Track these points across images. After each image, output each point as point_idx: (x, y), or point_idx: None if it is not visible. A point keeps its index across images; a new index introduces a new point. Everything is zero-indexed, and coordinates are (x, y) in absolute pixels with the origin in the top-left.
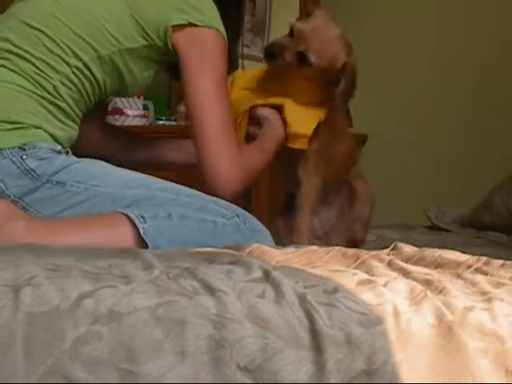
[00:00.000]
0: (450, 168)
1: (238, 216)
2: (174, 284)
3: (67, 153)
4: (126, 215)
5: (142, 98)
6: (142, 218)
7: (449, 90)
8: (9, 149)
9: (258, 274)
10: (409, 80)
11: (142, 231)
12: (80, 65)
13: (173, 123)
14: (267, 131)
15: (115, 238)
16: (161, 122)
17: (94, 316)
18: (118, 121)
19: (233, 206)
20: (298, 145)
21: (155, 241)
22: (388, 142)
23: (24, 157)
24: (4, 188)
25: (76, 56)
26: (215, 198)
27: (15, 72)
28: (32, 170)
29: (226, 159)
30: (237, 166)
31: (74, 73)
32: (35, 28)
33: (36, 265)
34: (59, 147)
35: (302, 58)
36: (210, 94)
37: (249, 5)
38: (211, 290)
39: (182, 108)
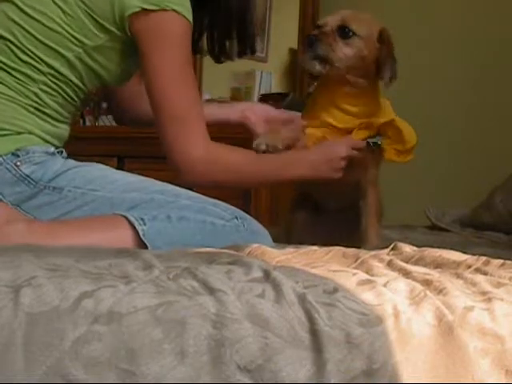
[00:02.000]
0: (450, 168)
1: (236, 218)
2: (173, 284)
3: (61, 152)
4: (126, 217)
5: None
6: (142, 220)
7: (449, 90)
8: (1, 156)
9: (257, 273)
10: (409, 80)
11: (141, 233)
12: (53, 71)
13: None
14: (319, 156)
15: (115, 240)
16: None
17: (94, 316)
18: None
19: (232, 207)
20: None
21: (155, 242)
22: None
23: (18, 163)
24: (1, 197)
25: (46, 64)
26: (214, 200)
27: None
28: (27, 176)
29: (190, 143)
30: (202, 151)
31: (50, 80)
32: (3, 37)
33: (36, 265)
34: (52, 149)
35: (343, 32)
36: (171, 82)
37: None
38: (211, 290)
39: None
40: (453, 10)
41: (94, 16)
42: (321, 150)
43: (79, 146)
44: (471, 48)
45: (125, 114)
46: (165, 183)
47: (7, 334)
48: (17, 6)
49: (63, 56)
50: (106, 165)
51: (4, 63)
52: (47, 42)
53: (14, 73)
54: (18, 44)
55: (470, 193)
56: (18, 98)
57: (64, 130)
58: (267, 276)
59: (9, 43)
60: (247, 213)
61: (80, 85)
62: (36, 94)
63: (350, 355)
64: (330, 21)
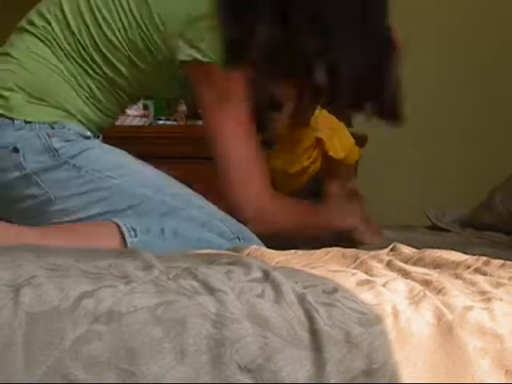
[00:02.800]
0: (450, 168)
1: (239, 238)
2: (173, 284)
3: (97, 137)
4: (118, 226)
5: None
6: (134, 231)
7: (449, 90)
8: (38, 123)
9: (257, 274)
10: (409, 80)
11: (129, 243)
12: (107, 77)
13: (173, 123)
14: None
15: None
16: (161, 122)
17: (94, 316)
18: (117, 120)
19: (239, 225)
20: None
21: None
22: (388, 142)
23: (51, 134)
24: (22, 160)
25: (102, 69)
26: (224, 215)
27: (61, 62)
28: (55, 149)
29: (252, 190)
30: (260, 200)
31: (105, 81)
32: (72, 31)
33: (36, 264)
34: (88, 133)
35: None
36: (229, 134)
37: None
38: (211, 290)
39: (182, 108)
40: (453, 10)
41: (150, 47)
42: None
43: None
44: (471, 48)
45: None
46: (182, 186)
47: (7, 333)
48: (88, 1)
49: (117, 68)
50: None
51: (68, 52)
52: (105, 51)
53: (74, 63)
54: (82, 42)
55: (470, 193)
56: (73, 81)
57: (106, 122)
58: (267, 276)
59: (75, 38)
60: None
61: (134, 92)
62: (89, 87)
63: (350, 355)
64: None
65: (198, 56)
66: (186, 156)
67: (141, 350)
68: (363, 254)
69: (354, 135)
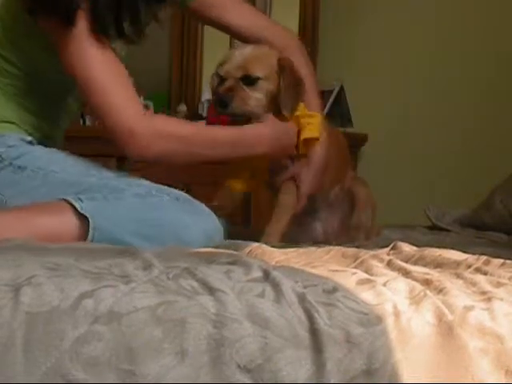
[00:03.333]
0: (450, 168)
1: (177, 199)
2: (173, 284)
3: (39, 143)
4: (65, 200)
5: (141, 97)
6: (79, 199)
7: (449, 90)
8: None
9: (257, 273)
10: (409, 80)
11: (79, 208)
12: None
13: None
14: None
15: (59, 223)
16: None
17: (94, 316)
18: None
19: (178, 192)
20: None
21: (94, 215)
22: (388, 142)
23: None
24: None
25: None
26: (161, 187)
27: None
28: None
29: (122, 119)
30: (143, 124)
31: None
32: None
33: (36, 264)
34: (29, 138)
35: (247, 80)
36: (90, 58)
37: None
38: (211, 290)
39: (182, 108)
40: (453, 10)
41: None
42: (282, 132)
43: (78, 146)
44: (472, 47)
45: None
46: (121, 172)
47: (7, 333)
48: None
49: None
50: (105, 165)
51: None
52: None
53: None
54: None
55: (470, 193)
56: (5, 89)
57: (47, 124)
58: (267, 276)
59: None
60: (248, 213)
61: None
62: (12, 90)
63: (350, 355)
64: (232, 71)
65: None
66: None
67: (141, 350)
68: (364, 254)
69: (354, 135)
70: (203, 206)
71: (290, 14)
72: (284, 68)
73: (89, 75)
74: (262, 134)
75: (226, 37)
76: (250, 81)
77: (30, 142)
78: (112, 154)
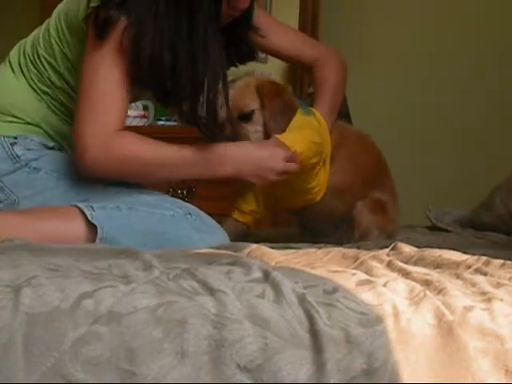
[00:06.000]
0: (450, 168)
1: (190, 214)
2: (173, 284)
3: (60, 149)
4: (76, 206)
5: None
6: (91, 207)
7: (449, 90)
8: (3, 136)
9: (257, 274)
10: (409, 80)
11: (90, 216)
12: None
13: (173, 124)
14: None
15: (67, 229)
16: (161, 123)
17: (94, 316)
18: None
19: (190, 206)
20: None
21: (104, 225)
22: (388, 142)
23: (14, 144)
24: None
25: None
26: (173, 199)
27: (27, 75)
28: (17, 156)
29: (88, 133)
30: (99, 143)
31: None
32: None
33: (36, 265)
34: (52, 144)
35: (244, 118)
36: (100, 73)
37: None
38: (211, 291)
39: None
40: (453, 10)
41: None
42: (255, 154)
43: None
44: (471, 48)
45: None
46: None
47: (7, 334)
48: (48, 30)
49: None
50: None
51: (32, 61)
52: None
53: (40, 71)
54: (31, 56)
55: (470, 193)
56: (38, 92)
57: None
58: (267, 276)
59: (26, 54)
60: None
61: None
62: (49, 95)
63: (350, 355)
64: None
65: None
66: None
67: (141, 350)
68: (364, 255)
69: None
70: (213, 223)
71: (290, 14)
72: (263, 94)
73: (92, 85)
74: (227, 154)
75: None
76: (246, 118)
77: (52, 148)
78: None
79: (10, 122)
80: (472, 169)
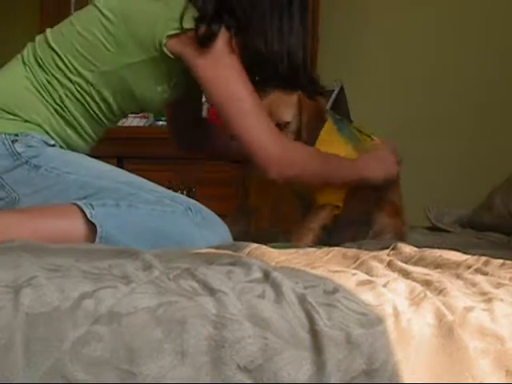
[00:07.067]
0: (450, 168)
1: (190, 209)
2: (173, 284)
3: (61, 146)
4: (76, 205)
5: None
6: (91, 205)
7: (449, 91)
8: (4, 133)
9: (257, 274)
10: (409, 80)
11: (89, 215)
12: (81, 81)
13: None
14: (379, 157)
15: (65, 227)
16: (160, 123)
17: (94, 316)
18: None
19: (191, 201)
20: None
21: (103, 224)
22: None
23: (15, 141)
24: None
25: (78, 73)
26: (175, 194)
27: (34, 75)
28: (18, 153)
29: (268, 137)
30: (278, 145)
31: (76, 88)
32: (52, 47)
33: (36, 265)
34: (52, 142)
35: (279, 127)
36: (233, 83)
37: None
38: (211, 291)
39: None
40: (454, 11)
41: (135, 38)
42: (377, 157)
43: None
44: (473, 48)
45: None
46: (134, 176)
47: (7, 334)
48: (72, 23)
49: (98, 68)
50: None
51: (42, 61)
52: (86, 54)
53: (47, 72)
54: (60, 53)
55: (470, 193)
56: (43, 95)
57: (72, 139)
58: (267, 276)
59: (53, 51)
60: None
61: (110, 100)
62: (60, 98)
63: (350, 355)
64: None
65: (185, 25)
66: (186, 157)
67: (141, 350)
68: (364, 255)
69: None
70: (215, 218)
71: None
72: (303, 104)
73: (239, 96)
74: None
75: None
76: (281, 127)
77: (53, 145)
78: (112, 154)
79: (11, 119)
80: (472, 169)
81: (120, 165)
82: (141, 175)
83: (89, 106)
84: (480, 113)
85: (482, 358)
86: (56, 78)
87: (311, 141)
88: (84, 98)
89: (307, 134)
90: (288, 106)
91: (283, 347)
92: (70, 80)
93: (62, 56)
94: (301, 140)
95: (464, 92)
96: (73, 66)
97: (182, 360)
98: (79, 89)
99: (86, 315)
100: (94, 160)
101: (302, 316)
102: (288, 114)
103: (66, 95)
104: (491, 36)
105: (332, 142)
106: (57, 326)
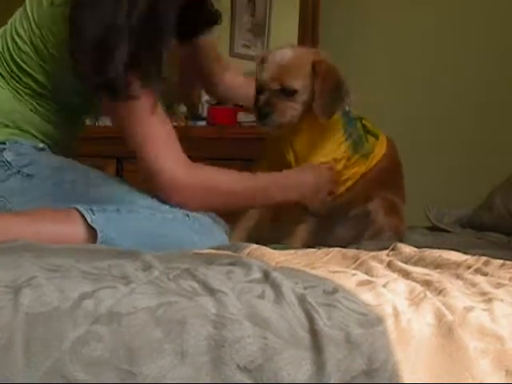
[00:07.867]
0: (450, 168)
1: (188, 216)
2: (173, 285)
3: (49, 147)
4: (76, 209)
5: None
6: (91, 210)
7: (449, 90)
8: None
9: (257, 274)
10: (409, 80)
11: (89, 220)
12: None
13: (172, 124)
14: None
15: (66, 231)
16: None
17: (94, 317)
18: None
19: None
20: None
21: (104, 229)
22: None
23: (3, 150)
24: None
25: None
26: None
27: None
28: (8, 162)
29: (173, 162)
30: (183, 174)
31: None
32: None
33: (36, 265)
34: (42, 145)
35: (285, 93)
36: (144, 119)
37: (248, 5)
38: (211, 291)
39: (181, 109)
40: (454, 11)
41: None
42: (312, 179)
43: (78, 146)
44: (473, 48)
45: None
46: (128, 182)
47: (7, 334)
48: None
49: (33, 77)
50: (105, 166)
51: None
52: (19, 61)
53: (9, 79)
54: (3, 58)
55: (470, 193)
56: (17, 97)
57: (60, 135)
58: (267, 277)
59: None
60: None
61: (71, 102)
62: (27, 100)
63: (350, 355)
64: (269, 82)
65: None
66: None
67: (141, 350)
68: (364, 255)
69: None
70: (210, 223)
71: (290, 14)
72: (318, 74)
73: (148, 132)
74: (302, 181)
75: (223, 41)
76: (287, 93)
77: (42, 149)
78: (112, 154)
79: None
80: (472, 169)
81: (119, 165)
82: (140, 176)
83: (56, 104)
84: (480, 113)
85: (482, 357)
86: (14, 83)
87: (323, 115)
88: (43, 99)
89: (319, 105)
90: (299, 75)
91: (283, 347)
92: (22, 85)
93: (9, 63)
94: (313, 108)
95: (464, 92)
96: (16, 75)
97: (181, 360)
98: (34, 94)
99: (86, 315)
100: (89, 168)
101: (301, 316)
102: (298, 83)
103: (31, 96)
104: (491, 36)
105: (329, 135)
106: (57, 325)
